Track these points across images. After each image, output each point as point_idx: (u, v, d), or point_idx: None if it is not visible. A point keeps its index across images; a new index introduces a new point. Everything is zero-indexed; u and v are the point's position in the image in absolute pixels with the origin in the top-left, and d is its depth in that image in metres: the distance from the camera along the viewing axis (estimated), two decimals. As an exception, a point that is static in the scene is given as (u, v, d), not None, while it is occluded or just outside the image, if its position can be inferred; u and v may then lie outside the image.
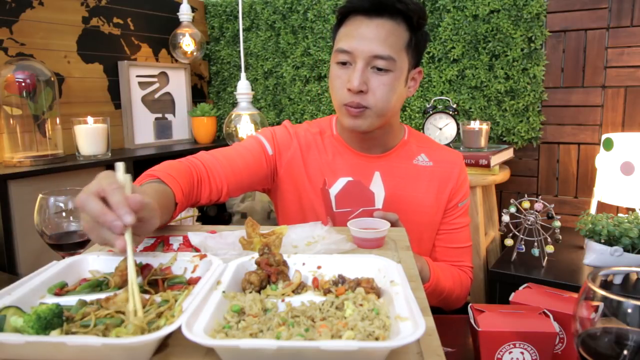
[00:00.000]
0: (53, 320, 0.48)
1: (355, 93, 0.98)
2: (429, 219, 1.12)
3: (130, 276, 0.56)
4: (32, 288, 0.56)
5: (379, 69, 0.98)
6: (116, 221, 0.58)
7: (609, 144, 1.54)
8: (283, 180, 1.13)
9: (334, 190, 0.97)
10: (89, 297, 0.56)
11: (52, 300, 0.55)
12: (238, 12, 2.33)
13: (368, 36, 0.97)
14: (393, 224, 0.97)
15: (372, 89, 0.99)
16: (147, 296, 0.56)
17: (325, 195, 1.00)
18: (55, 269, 0.62)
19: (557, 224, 1.32)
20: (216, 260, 0.63)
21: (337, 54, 1.01)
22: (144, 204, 0.61)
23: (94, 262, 0.65)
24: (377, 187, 1.06)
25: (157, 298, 0.55)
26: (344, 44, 0.99)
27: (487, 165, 1.68)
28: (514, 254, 1.47)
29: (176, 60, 2.47)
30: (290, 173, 1.13)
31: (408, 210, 1.08)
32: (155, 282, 0.61)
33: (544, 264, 1.41)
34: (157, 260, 0.66)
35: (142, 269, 0.63)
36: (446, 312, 1.19)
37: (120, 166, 0.63)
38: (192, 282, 0.61)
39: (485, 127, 1.79)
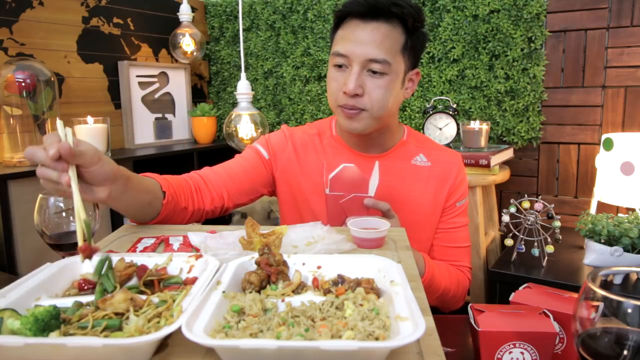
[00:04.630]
0: (50, 322, 0.48)
1: (350, 96, 1.00)
2: (426, 218, 1.13)
3: (76, 205, 0.64)
4: (27, 290, 0.56)
5: (374, 72, 0.99)
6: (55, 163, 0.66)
7: (609, 144, 1.54)
8: (279, 182, 1.16)
9: (331, 174, 0.99)
10: (85, 299, 0.56)
11: (47, 302, 0.55)
12: (238, 12, 2.33)
13: (363, 40, 0.98)
14: (384, 214, 0.99)
15: (368, 92, 1.00)
16: (143, 297, 0.56)
17: (328, 199, 1.01)
18: (49, 271, 0.61)
19: (557, 224, 1.32)
20: (212, 260, 0.63)
21: (334, 57, 1.03)
22: (73, 152, 0.67)
23: (87, 265, 0.65)
24: (374, 177, 1.08)
25: (155, 299, 0.55)
26: (340, 47, 1.01)
27: (487, 165, 1.68)
28: (514, 254, 1.47)
29: (176, 60, 2.47)
30: (285, 174, 1.15)
31: (405, 210, 1.08)
32: (151, 282, 0.61)
33: (544, 264, 1.41)
34: (152, 260, 0.65)
35: (138, 269, 0.63)
36: (445, 312, 1.19)
37: (59, 123, 0.71)
38: (189, 282, 0.60)
39: (485, 127, 1.78)
